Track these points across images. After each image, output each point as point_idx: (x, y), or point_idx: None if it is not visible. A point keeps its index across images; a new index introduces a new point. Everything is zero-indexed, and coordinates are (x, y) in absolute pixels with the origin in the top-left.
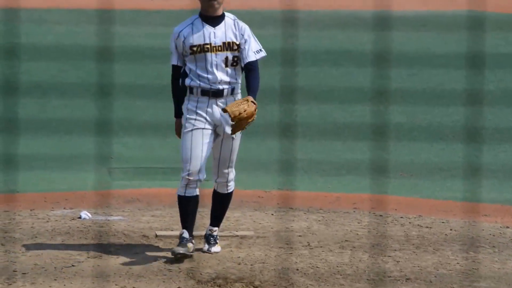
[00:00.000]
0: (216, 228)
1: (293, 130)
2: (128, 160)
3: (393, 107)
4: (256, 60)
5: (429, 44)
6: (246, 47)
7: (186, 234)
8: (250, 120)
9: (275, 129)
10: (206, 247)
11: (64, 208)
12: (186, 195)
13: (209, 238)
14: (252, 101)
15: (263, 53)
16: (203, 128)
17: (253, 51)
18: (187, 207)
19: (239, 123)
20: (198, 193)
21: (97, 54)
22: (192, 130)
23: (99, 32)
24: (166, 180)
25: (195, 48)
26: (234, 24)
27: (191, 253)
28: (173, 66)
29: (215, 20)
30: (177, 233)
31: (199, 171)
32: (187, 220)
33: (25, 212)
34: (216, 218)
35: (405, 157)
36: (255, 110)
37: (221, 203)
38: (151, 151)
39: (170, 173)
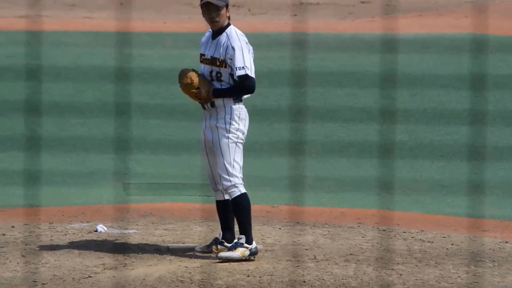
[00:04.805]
0: (239, 237)
1: (300, 148)
2: (142, 176)
3: (396, 126)
4: (241, 76)
5: (430, 66)
6: (232, 64)
7: (218, 235)
8: (192, 90)
9: (282, 146)
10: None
11: (81, 221)
12: (215, 200)
13: (218, 243)
14: (201, 78)
15: (243, 72)
16: (204, 139)
17: (236, 67)
18: (217, 210)
19: (185, 88)
20: (221, 198)
21: (113, 75)
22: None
23: (115, 53)
24: (177, 195)
25: (200, 55)
26: (226, 41)
27: (208, 252)
28: None
29: (216, 33)
30: (188, 246)
31: (210, 180)
32: (220, 222)
33: (45, 225)
34: (226, 226)
35: (407, 174)
36: (202, 88)
37: (228, 210)
38: (163, 167)
39: (181, 189)
